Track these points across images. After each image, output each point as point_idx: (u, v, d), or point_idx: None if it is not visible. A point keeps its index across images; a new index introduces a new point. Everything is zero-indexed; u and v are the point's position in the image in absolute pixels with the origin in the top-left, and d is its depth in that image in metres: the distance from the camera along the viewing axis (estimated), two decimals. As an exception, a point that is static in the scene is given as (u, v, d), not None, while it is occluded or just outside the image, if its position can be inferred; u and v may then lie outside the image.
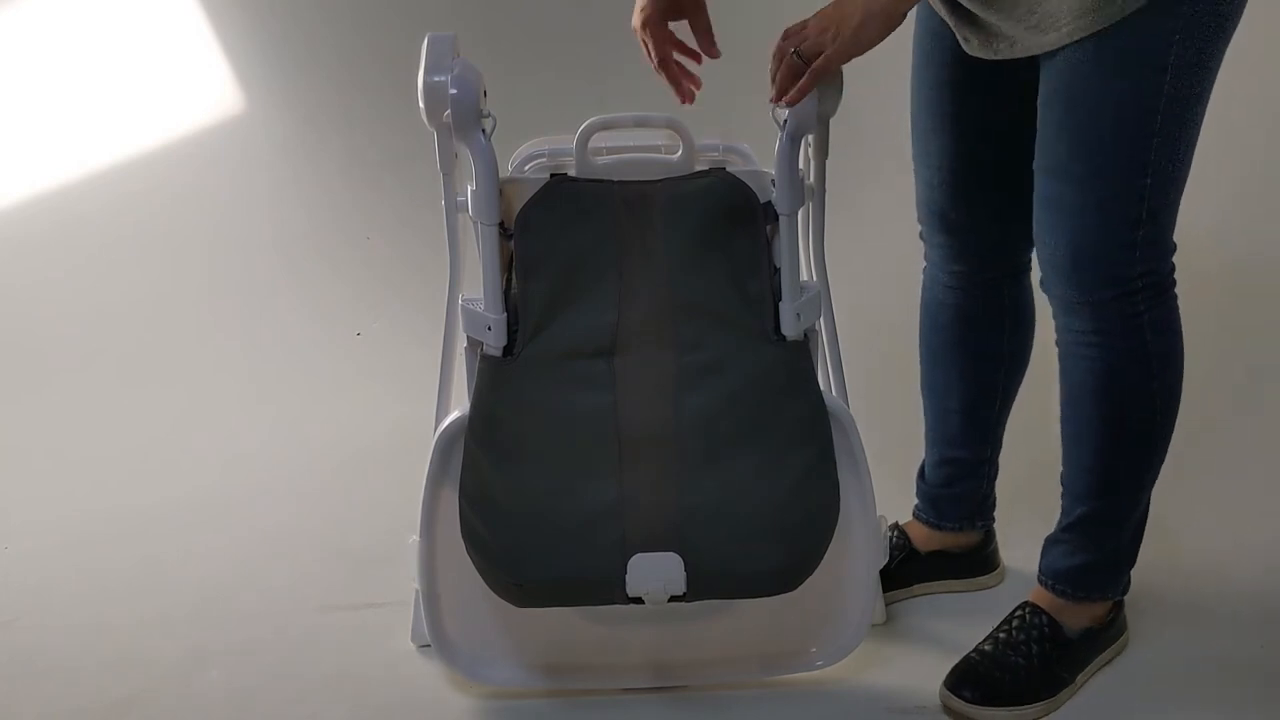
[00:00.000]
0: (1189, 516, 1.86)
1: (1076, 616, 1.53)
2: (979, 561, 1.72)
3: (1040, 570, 1.56)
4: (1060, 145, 1.36)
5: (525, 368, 1.42)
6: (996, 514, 1.74)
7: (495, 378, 1.43)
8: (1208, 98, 1.36)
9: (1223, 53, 1.34)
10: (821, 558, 1.40)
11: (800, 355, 1.44)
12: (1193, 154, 1.37)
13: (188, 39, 2.85)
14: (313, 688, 1.55)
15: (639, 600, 1.38)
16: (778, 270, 1.44)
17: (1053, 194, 1.39)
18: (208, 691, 1.56)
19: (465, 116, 1.37)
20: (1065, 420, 1.51)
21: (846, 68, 1.40)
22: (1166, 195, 1.37)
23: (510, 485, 1.40)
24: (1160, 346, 1.44)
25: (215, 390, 2.44)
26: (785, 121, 1.40)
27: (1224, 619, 1.65)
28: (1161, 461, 1.51)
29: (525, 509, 1.40)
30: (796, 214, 1.44)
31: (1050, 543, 1.56)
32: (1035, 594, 1.55)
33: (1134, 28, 1.29)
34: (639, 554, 1.37)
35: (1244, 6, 1.34)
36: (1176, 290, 1.44)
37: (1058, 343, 1.48)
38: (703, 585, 1.38)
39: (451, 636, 1.50)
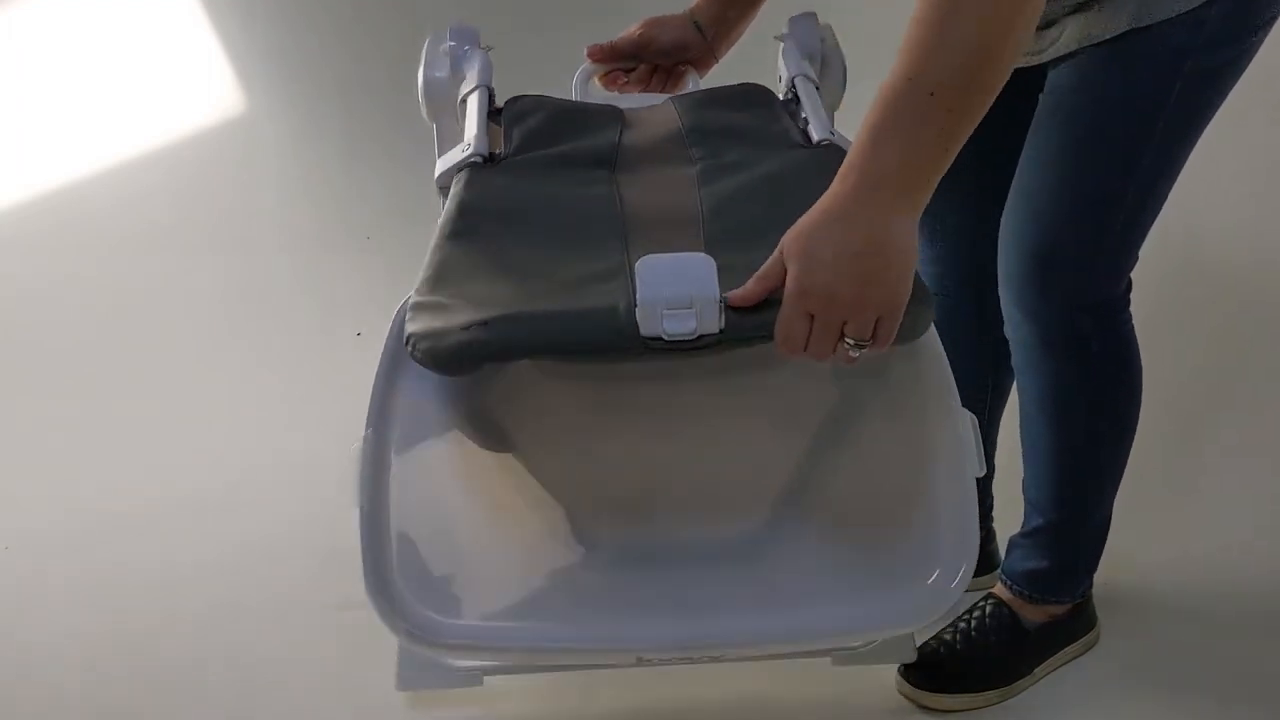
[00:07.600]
0: (1171, 514, 1.87)
1: (1035, 612, 1.54)
2: (979, 561, 1.72)
3: (1002, 567, 1.58)
4: (1051, 139, 1.34)
5: (512, 167, 1.27)
6: (996, 514, 1.73)
7: (475, 178, 1.24)
8: (1213, 112, 1.33)
9: (1239, 73, 1.32)
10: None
11: (833, 154, 1.24)
12: (1181, 168, 1.35)
13: (190, 39, 2.85)
14: (313, 688, 1.55)
15: (657, 342, 0.99)
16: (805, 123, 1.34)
17: (1026, 187, 1.37)
18: (207, 692, 1.56)
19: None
20: (1021, 431, 1.51)
21: (850, 61, 1.39)
22: (1146, 203, 1.35)
23: (492, 267, 1.12)
24: (1108, 368, 1.42)
25: (215, 390, 2.44)
26: None
27: (1202, 618, 1.65)
28: (1118, 479, 1.51)
29: (509, 281, 1.09)
30: None
31: (1012, 544, 1.57)
32: (998, 587, 1.57)
33: (1156, 34, 1.26)
34: (650, 255, 1.00)
35: (1265, 36, 1.31)
36: (1130, 311, 1.43)
37: (1010, 354, 1.47)
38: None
39: (397, 583, 1.11)
